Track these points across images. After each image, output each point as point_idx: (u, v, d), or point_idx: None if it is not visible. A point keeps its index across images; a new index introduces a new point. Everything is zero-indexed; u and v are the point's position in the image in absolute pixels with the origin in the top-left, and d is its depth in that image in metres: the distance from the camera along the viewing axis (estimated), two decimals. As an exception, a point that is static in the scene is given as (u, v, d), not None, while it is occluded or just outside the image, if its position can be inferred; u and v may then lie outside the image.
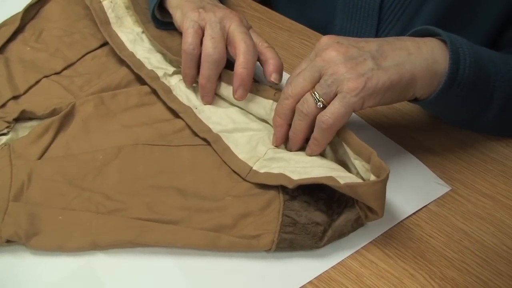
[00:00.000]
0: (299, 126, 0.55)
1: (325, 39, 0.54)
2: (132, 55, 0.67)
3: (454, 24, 0.69)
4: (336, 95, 0.52)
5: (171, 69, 0.66)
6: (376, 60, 0.52)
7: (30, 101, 0.64)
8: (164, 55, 0.68)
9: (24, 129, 0.61)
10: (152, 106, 0.64)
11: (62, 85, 0.65)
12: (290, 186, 0.53)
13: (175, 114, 0.63)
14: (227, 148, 0.59)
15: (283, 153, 0.57)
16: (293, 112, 0.55)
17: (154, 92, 0.65)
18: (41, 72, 0.67)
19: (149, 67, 0.66)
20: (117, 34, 0.70)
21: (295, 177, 0.54)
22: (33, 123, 0.62)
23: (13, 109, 0.62)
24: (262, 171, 0.56)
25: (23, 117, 0.62)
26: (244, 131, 0.60)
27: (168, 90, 0.64)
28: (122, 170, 0.57)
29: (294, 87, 0.54)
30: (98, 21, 0.70)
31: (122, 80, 0.66)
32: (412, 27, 0.71)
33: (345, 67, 0.51)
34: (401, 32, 0.73)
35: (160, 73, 0.65)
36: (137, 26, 0.72)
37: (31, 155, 0.58)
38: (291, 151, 0.58)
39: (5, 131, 0.60)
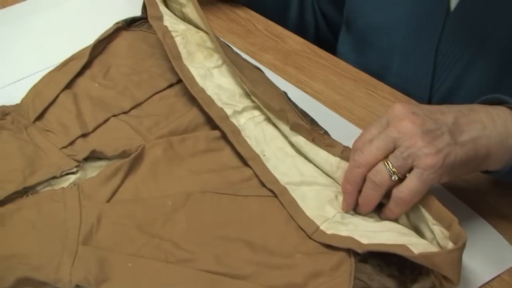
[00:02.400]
0: (371, 196, 0.54)
1: (399, 108, 0.53)
2: (202, 91, 0.67)
3: None
4: (412, 168, 0.51)
5: (240, 106, 0.66)
6: (453, 134, 0.52)
7: (98, 140, 0.64)
8: (235, 90, 0.68)
9: (93, 169, 0.62)
10: (220, 152, 0.64)
11: (131, 125, 0.65)
12: (360, 250, 0.52)
13: (243, 161, 0.62)
14: (293, 202, 0.58)
15: (351, 218, 0.56)
16: (363, 180, 0.54)
17: (222, 137, 0.65)
18: (109, 110, 0.67)
19: (219, 104, 0.66)
20: (188, 69, 0.70)
21: (364, 241, 0.53)
22: (102, 163, 0.62)
23: (82, 148, 0.63)
24: (329, 232, 0.55)
25: (92, 156, 0.62)
26: (311, 185, 0.60)
27: (237, 132, 0.64)
28: (190, 218, 0.57)
29: (367, 156, 0.53)
30: (171, 55, 0.70)
31: (190, 124, 0.66)
32: (468, 75, 0.72)
33: (422, 141, 0.50)
34: (456, 79, 0.73)
35: (229, 111, 0.65)
36: (208, 62, 0.72)
37: (100, 197, 0.58)
38: (360, 214, 0.57)
39: (74, 170, 0.61)
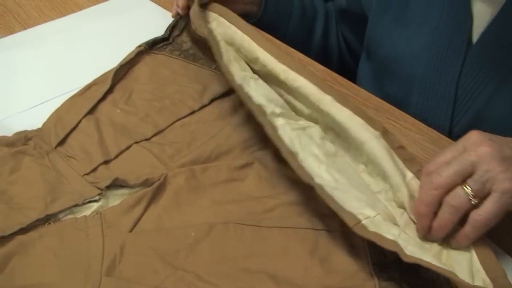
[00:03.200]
0: (448, 220, 0.54)
1: (476, 135, 0.54)
2: (240, 87, 0.66)
3: None
4: (489, 192, 0.52)
5: (278, 110, 0.65)
6: None
7: (121, 168, 0.64)
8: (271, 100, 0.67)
9: (115, 197, 0.61)
10: (242, 182, 0.63)
11: (153, 153, 0.65)
12: (405, 259, 0.51)
13: (265, 192, 0.62)
14: (331, 198, 0.57)
15: (393, 226, 0.56)
16: (440, 203, 0.54)
17: (244, 167, 0.64)
18: (131, 137, 0.67)
19: (257, 102, 0.65)
20: (228, 68, 0.69)
21: (407, 252, 0.52)
22: (124, 191, 0.62)
23: (104, 175, 0.63)
24: (371, 229, 0.54)
25: (114, 184, 0.62)
26: (344, 192, 0.58)
27: (274, 129, 0.63)
28: (214, 250, 0.56)
29: (445, 178, 0.53)
30: (214, 50, 0.70)
31: (212, 152, 0.65)
32: (491, 108, 0.71)
33: (501, 166, 0.52)
34: (478, 114, 0.73)
35: (268, 110, 0.64)
36: (244, 72, 0.71)
37: (122, 226, 0.58)
38: (432, 241, 0.57)
39: (96, 198, 0.60)
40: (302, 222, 0.59)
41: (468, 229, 0.53)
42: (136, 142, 0.67)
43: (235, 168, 0.64)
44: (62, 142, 0.67)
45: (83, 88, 0.74)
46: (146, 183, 0.61)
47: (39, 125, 0.69)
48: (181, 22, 0.85)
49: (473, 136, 0.55)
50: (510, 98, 0.69)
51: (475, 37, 0.71)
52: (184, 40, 0.84)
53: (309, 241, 0.58)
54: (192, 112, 0.71)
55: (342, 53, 0.97)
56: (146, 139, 0.67)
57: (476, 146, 0.53)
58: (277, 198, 0.62)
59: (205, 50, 0.80)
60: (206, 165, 0.64)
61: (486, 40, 0.70)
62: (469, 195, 0.52)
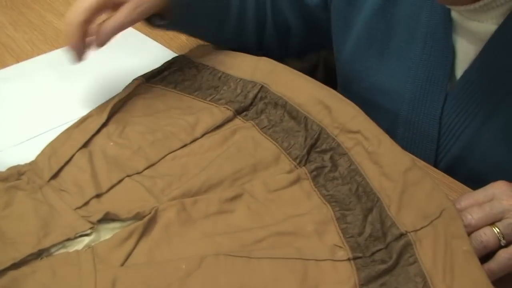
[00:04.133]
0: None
1: (506, 185, 0.58)
2: None
3: None
4: None
5: None
6: None
7: (112, 201, 0.65)
8: None
9: (106, 231, 0.62)
10: (232, 214, 0.64)
11: (145, 186, 0.66)
12: None
13: (255, 223, 0.63)
14: None
15: None
16: None
17: (234, 198, 0.65)
18: (123, 171, 0.68)
19: None
20: None
21: None
22: (115, 225, 0.62)
23: (96, 209, 0.63)
24: None
25: (105, 218, 0.62)
26: None
27: None
28: (205, 282, 0.57)
29: (477, 219, 0.56)
30: None
31: (202, 185, 0.66)
32: (476, 145, 0.71)
33: None
34: (462, 150, 0.73)
35: None
36: None
37: (114, 260, 0.58)
38: None
39: (88, 231, 0.61)
40: (291, 253, 0.60)
41: (494, 265, 0.55)
42: (128, 176, 0.68)
43: (225, 200, 0.65)
44: (55, 176, 0.68)
45: (78, 120, 0.75)
46: (137, 217, 0.62)
47: (32, 159, 0.70)
48: (182, 60, 0.86)
49: (503, 186, 0.58)
50: (494, 136, 0.69)
51: (459, 73, 0.71)
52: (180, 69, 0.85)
53: (298, 271, 0.58)
54: (184, 145, 0.72)
55: (267, 29, 0.88)
56: (138, 173, 0.68)
57: (508, 196, 0.57)
58: (267, 229, 0.62)
59: (201, 83, 0.82)
60: (196, 198, 0.65)
61: (469, 77, 0.69)
62: (499, 235, 0.55)
